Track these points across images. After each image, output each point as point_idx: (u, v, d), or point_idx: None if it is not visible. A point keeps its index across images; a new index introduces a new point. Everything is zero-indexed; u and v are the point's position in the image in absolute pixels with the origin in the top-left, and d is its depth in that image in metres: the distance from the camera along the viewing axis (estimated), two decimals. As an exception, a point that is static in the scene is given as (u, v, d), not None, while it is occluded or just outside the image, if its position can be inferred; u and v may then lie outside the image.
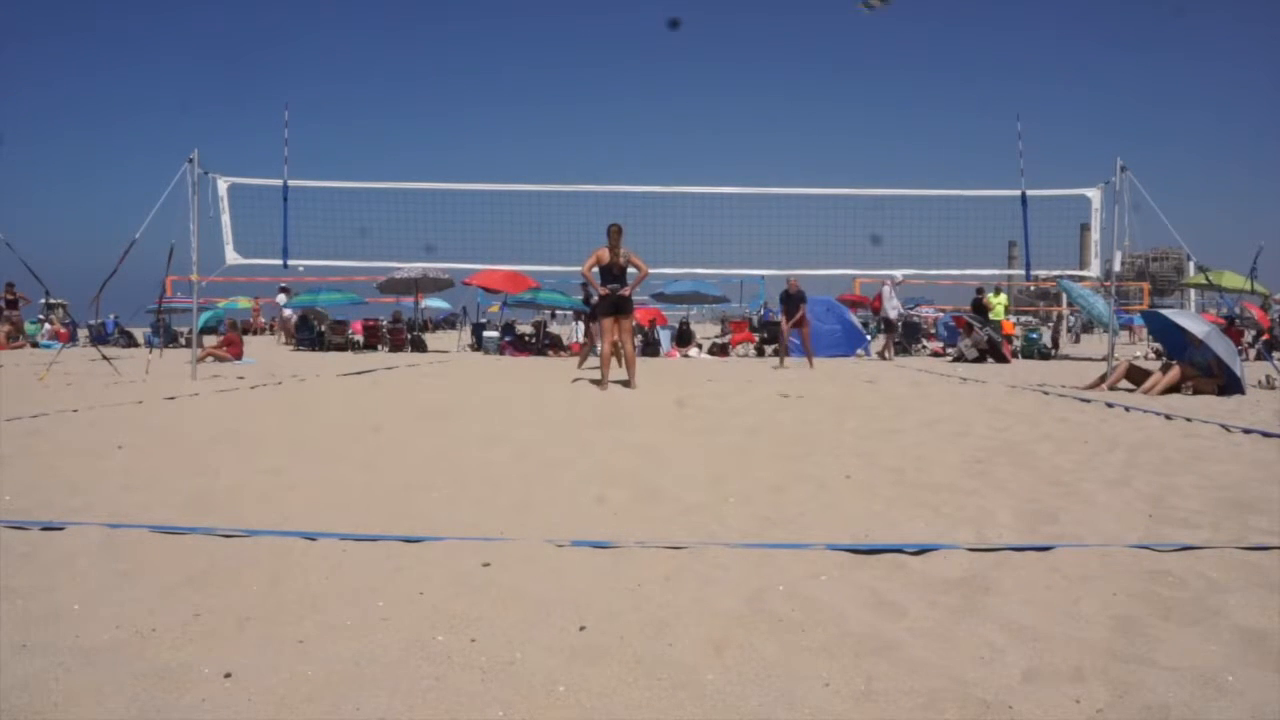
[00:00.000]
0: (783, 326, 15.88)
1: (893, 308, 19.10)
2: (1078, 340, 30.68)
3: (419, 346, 20.99)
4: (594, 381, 9.99)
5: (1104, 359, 11.82)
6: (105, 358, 11.62)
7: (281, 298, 23.10)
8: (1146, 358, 14.90)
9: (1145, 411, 7.33)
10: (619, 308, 9.74)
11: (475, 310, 25.80)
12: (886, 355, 18.77)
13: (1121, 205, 10.70)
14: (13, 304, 21.20)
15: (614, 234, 9.57)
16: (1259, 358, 16.99)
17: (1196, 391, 9.16)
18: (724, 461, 4.73)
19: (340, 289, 27.96)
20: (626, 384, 9.71)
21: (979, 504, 3.67)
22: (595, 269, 9.76)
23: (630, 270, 9.77)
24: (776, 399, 8.45)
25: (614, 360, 10.35)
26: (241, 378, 11.02)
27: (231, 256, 11.27)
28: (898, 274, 16.51)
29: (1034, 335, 21.73)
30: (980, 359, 17.23)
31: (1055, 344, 23.25)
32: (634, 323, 10.70)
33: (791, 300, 15.53)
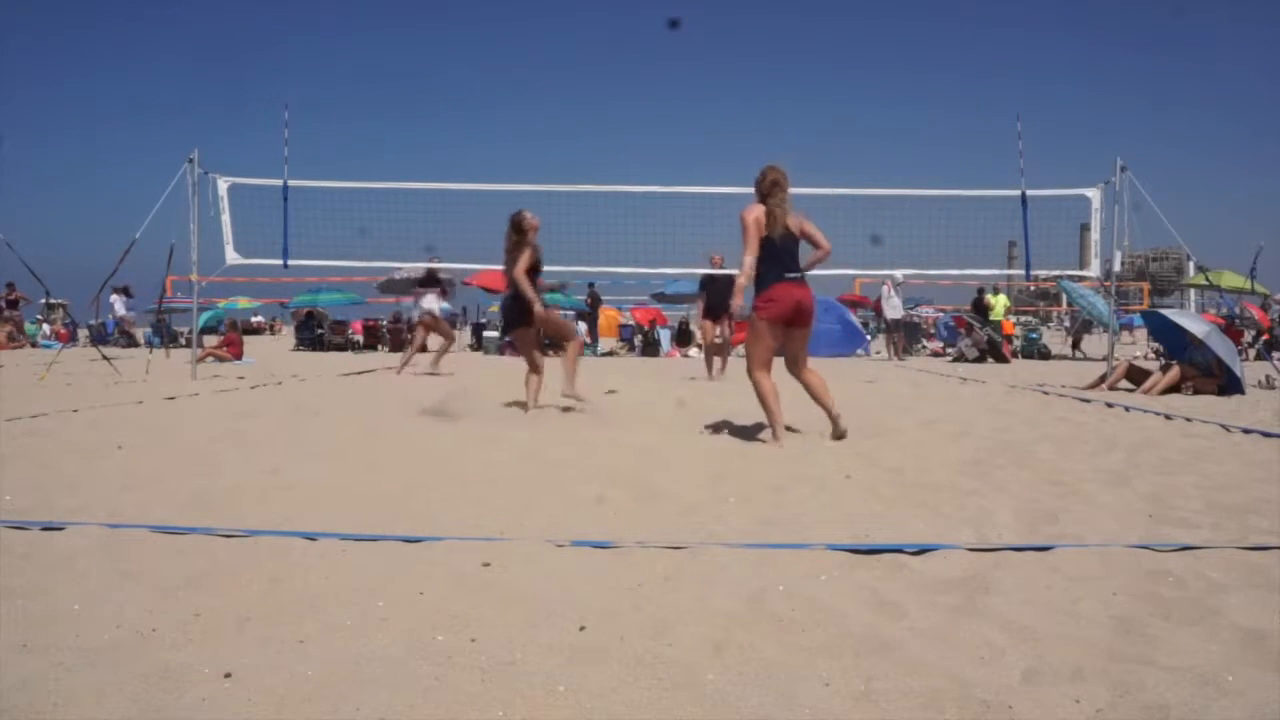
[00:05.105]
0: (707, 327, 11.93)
1: (892, 308, 19.03)
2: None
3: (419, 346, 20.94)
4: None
5: (1104, 359, 11.82)
6: (105, 358, 11.62)
7: (117, 299, 23.06)
8: (1146, 358, 14.89)
9: (1145, 411, 7.33)
10: None
11: (475, 310, 25.84)
12: (900, 357, 18.63)
13: (1121, 205, 10.68)
14: (13, 304, 21.18)
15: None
16: (1259, 358, 16.99)
17: (1196, 391, 9.15)
18: (724, 461, 4.73)
19: (340, 289, 27.97)
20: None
21: (979, 504, 3.66)
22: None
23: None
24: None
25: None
26: (242, 378, 11.03)
27: (231, 256, 11.26)
28: (898, 274, 16.42)
29: (1034, 335, 21.67)
30: (980, 359, 17.23)
31: (1077, 344, 22.43)
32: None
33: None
